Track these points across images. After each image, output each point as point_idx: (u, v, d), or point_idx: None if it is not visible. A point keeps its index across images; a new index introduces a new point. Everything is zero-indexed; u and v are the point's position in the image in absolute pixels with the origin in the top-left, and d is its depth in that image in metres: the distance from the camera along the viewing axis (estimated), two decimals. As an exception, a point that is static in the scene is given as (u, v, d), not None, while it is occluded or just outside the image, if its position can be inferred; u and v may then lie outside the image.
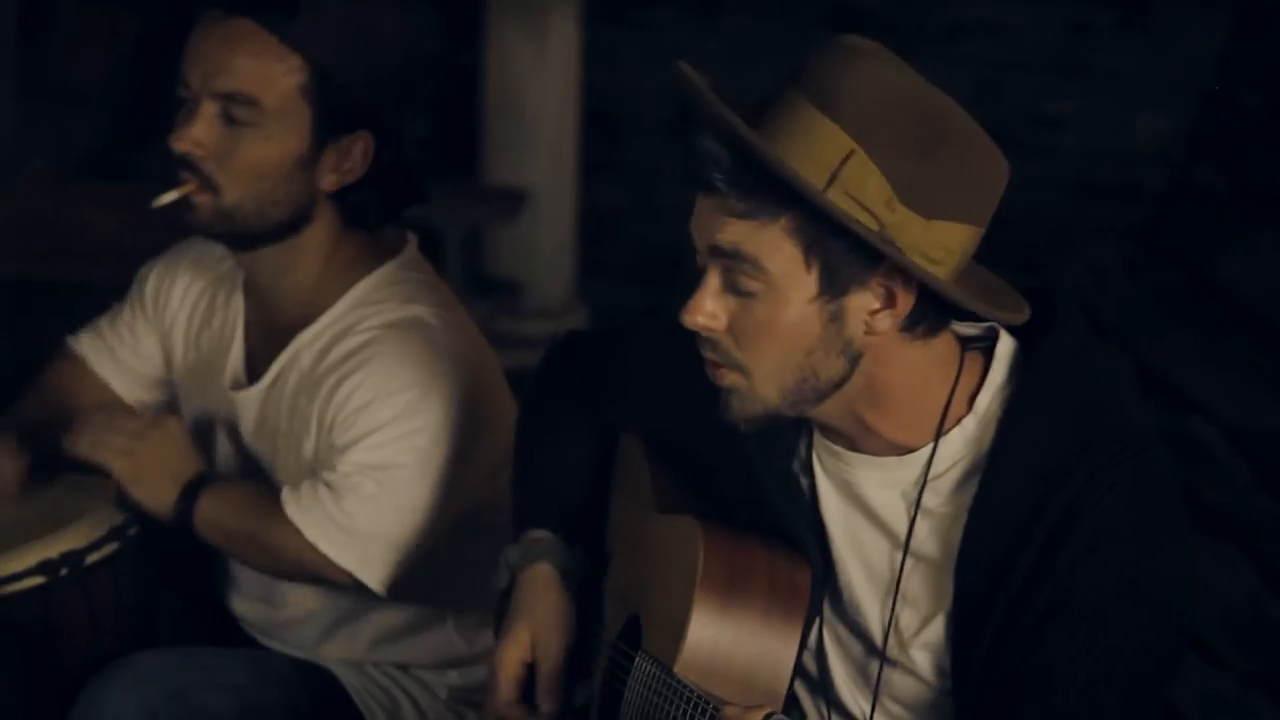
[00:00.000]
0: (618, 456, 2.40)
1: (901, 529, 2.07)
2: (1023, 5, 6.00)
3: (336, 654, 2.75)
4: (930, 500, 2.05)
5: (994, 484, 2.01)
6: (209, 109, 2.54)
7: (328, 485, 2.57)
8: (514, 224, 5.90)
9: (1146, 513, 1.99)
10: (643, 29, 6.24)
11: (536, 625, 2.31)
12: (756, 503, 2.14)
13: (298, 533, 2.57)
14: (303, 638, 2.76)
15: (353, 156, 2.59)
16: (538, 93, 5.81)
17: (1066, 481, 1.97)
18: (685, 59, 1.96)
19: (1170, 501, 2.03)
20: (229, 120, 2.54)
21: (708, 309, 1.99)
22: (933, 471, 2.05)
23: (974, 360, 2.07)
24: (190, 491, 2.61)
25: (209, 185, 2.56)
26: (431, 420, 2.57)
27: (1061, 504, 1.97)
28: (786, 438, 2.14)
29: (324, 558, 2.57)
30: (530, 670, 2.32)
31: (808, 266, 1.95)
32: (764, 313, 1.97)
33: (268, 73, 2.52)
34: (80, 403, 2.81)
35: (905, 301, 1.97)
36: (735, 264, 1.96)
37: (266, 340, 2.71)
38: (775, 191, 1.92)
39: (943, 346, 2.04)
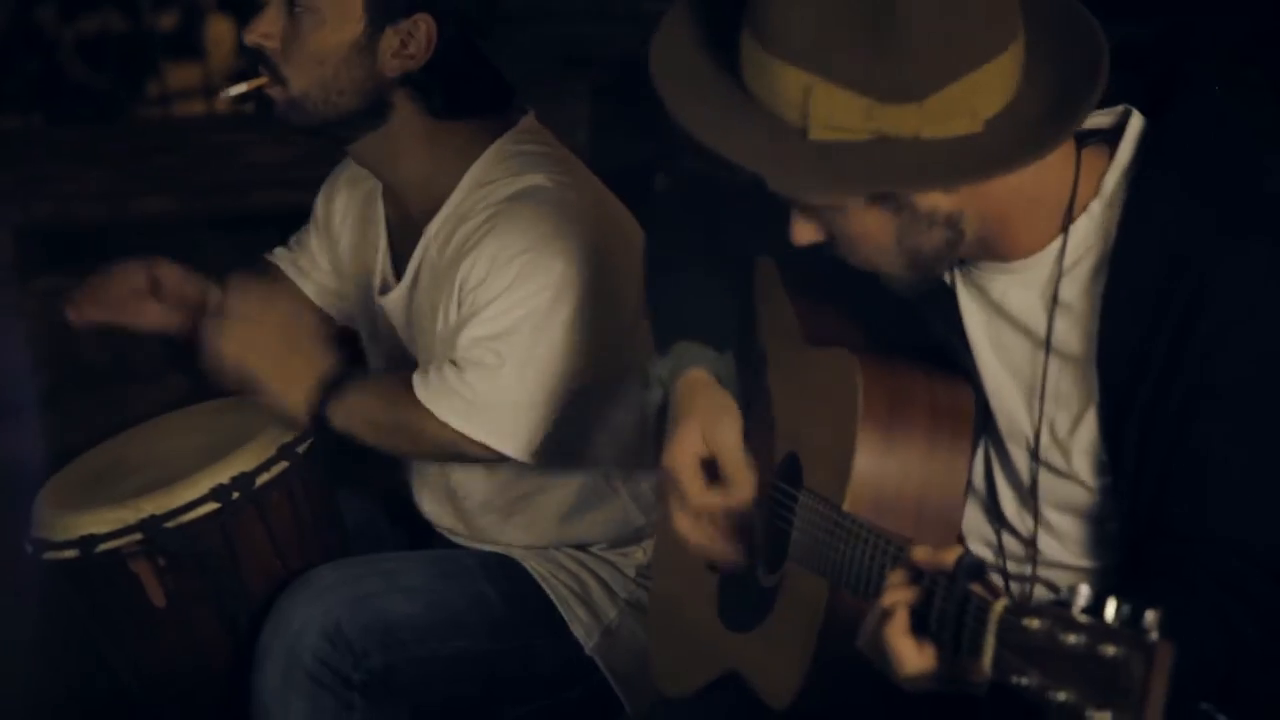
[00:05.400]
0: (754, 282, 2.33)
1: (1042, 328, 2.01)
2: None
3: (521, 540, 2.74)
4: (1067, 293, 1.99)
5: (1122, 269, 1.94)
6: (275, 2, 2.58)
7: (452, 363, 2.57)
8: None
9: (1278, 286, 1.89)
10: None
11: (704, 418, 2.18)
12: (905, 321, 2.09)
13: (430, 414, 2.57)
14: (485, 528, 2.76)
15: (415, 40, 2.56)
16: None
17: (1192, 262, 1.89)
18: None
19: None
20: (291, 11, 2.56)
21: (803, 237, 2.01)
22: (1065, 262, 1.98)
23: (1094, 153, 1.99)
24: (327, 388, 2.62)
25: (278, 78, 2.58)
26: (550, 280, 2.55)
27: (1189, 287, 1.89)
28: None
29: (459, 434, 2.57)
30: (709, 468, 2.19)
31: (867, 201, 1.95)
32: (843, 229, 1.99)
33: None
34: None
35: None
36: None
37: (405, 240, 2.72)
38: None
39: (1050, 156, 1.93)
